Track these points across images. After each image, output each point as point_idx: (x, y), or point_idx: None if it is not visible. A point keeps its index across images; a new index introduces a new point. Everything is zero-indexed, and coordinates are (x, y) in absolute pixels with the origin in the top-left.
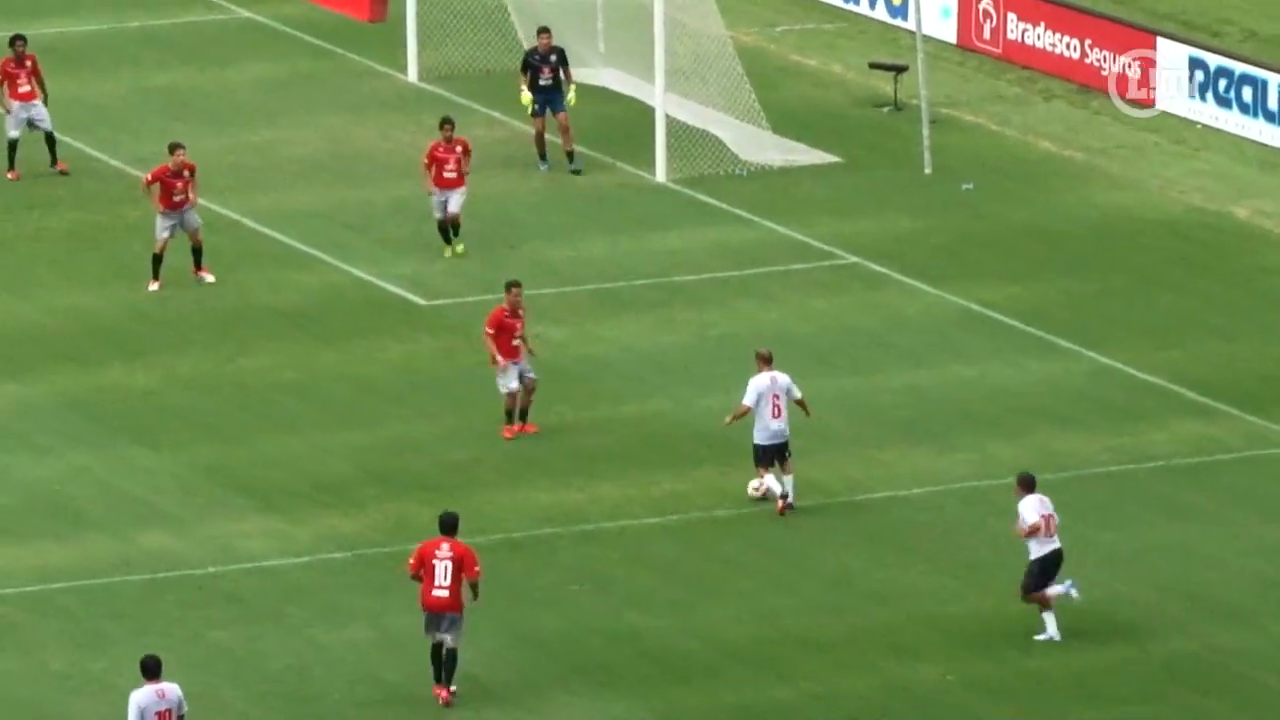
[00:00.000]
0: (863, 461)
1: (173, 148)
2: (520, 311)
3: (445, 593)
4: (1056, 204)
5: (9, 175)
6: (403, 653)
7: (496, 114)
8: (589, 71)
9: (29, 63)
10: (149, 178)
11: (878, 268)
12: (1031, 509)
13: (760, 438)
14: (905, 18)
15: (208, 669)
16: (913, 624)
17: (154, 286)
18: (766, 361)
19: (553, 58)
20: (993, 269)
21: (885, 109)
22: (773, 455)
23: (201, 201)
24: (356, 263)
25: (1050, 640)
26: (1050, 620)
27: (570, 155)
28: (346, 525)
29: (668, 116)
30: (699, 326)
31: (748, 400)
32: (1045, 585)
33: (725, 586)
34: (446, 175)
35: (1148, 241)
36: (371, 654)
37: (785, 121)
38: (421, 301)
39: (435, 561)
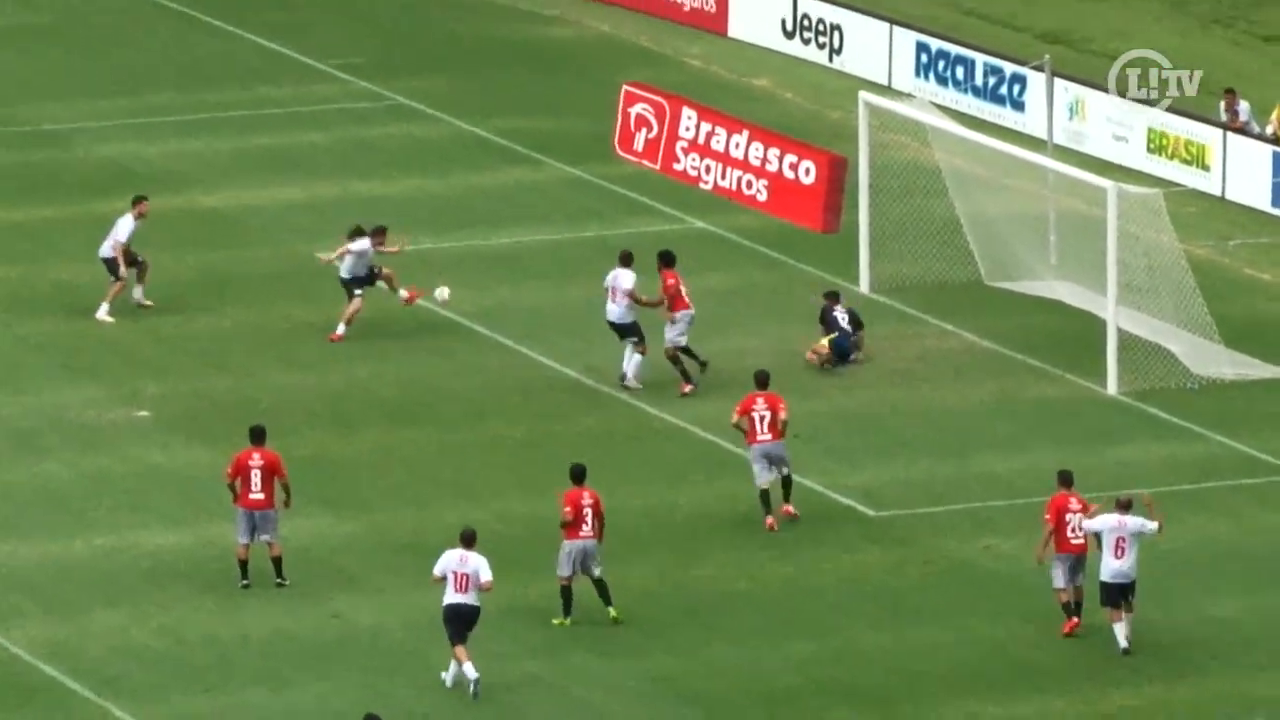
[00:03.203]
0: None
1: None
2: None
3: None
4: None
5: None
6: None
7: (949, 326)
8: (1041, 284)
9: None
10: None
11: None
12: None
13: (1104, 575)
14: None
15: None
16: None
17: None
18: (1124, 508)
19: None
20: None
21: None
22: (1116, 595)
23: (652, 410)
24: (807, 473)
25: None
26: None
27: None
28: None
29: (1119, 329)
30: (1149, 541)
31: (1090, 525)
32: None
33: None
34: (583, 531)
35: None
36: None
37: (1238, 335)
38: (871, 512)
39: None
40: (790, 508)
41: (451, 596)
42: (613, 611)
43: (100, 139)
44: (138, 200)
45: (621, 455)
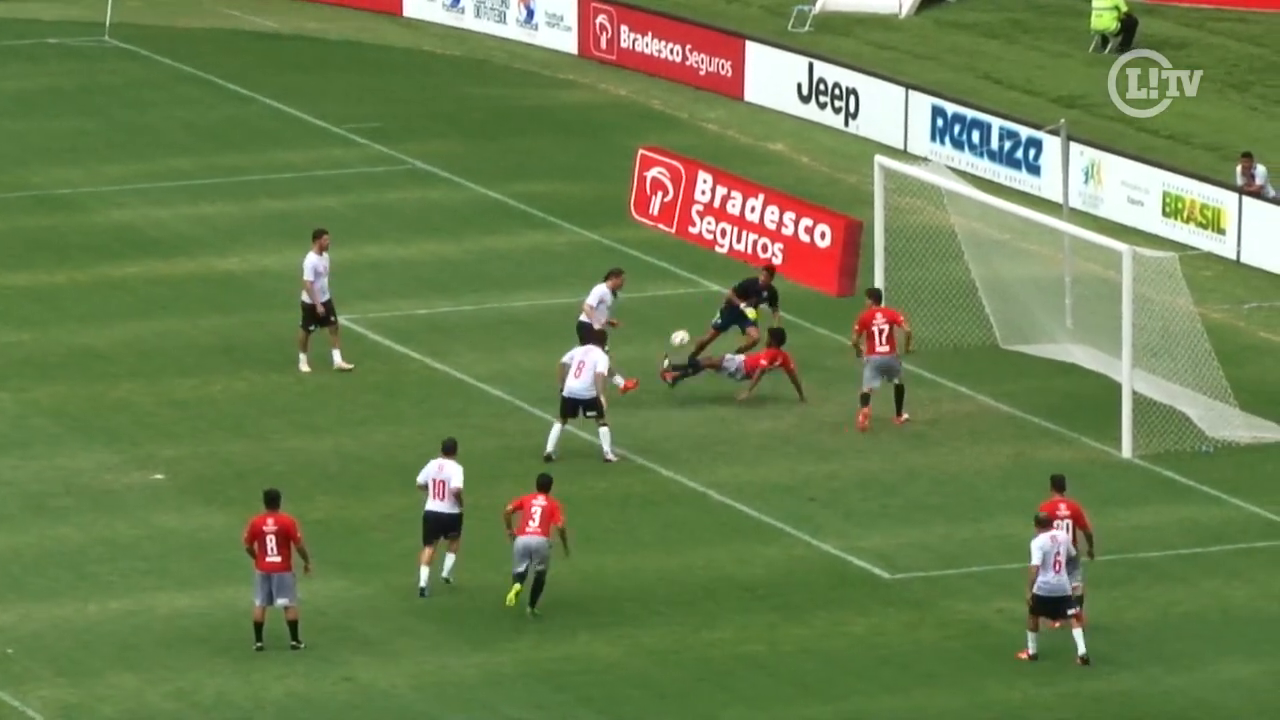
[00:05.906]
0: None
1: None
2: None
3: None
4: None
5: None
6: None
7: (964, 389)
8: (1056, 347)
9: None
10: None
11: None
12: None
13: (1040, 590)
14: None
15: None
16: None
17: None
18: (1045, 525)
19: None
20: None
21: None
22: (1050, 609)
23: (667, 473)
24: (822, 536)
25: None
26: None
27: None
28: None
29: (1134, 392)
30: (1164, 604)
31: (1035, 560)
32: None
33: None
34: (529, 528)
35: None
36: None
37: (1253, 399)
38: (886, 575)
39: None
40: (902, 416)
41: (430, 504)
42: (533, 609)
43: (113, 203)
44: (318, 234)
45: (636, 519)
